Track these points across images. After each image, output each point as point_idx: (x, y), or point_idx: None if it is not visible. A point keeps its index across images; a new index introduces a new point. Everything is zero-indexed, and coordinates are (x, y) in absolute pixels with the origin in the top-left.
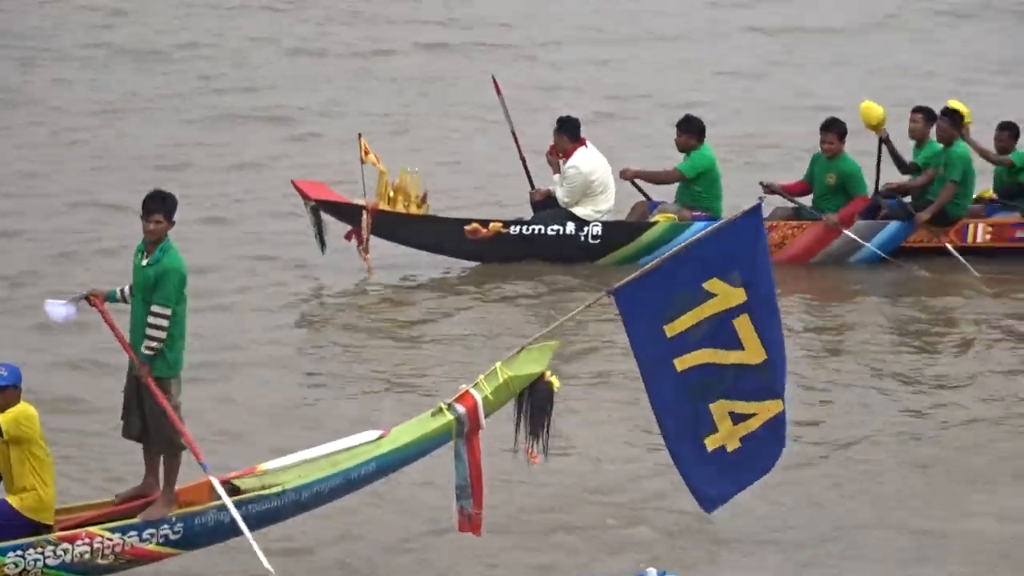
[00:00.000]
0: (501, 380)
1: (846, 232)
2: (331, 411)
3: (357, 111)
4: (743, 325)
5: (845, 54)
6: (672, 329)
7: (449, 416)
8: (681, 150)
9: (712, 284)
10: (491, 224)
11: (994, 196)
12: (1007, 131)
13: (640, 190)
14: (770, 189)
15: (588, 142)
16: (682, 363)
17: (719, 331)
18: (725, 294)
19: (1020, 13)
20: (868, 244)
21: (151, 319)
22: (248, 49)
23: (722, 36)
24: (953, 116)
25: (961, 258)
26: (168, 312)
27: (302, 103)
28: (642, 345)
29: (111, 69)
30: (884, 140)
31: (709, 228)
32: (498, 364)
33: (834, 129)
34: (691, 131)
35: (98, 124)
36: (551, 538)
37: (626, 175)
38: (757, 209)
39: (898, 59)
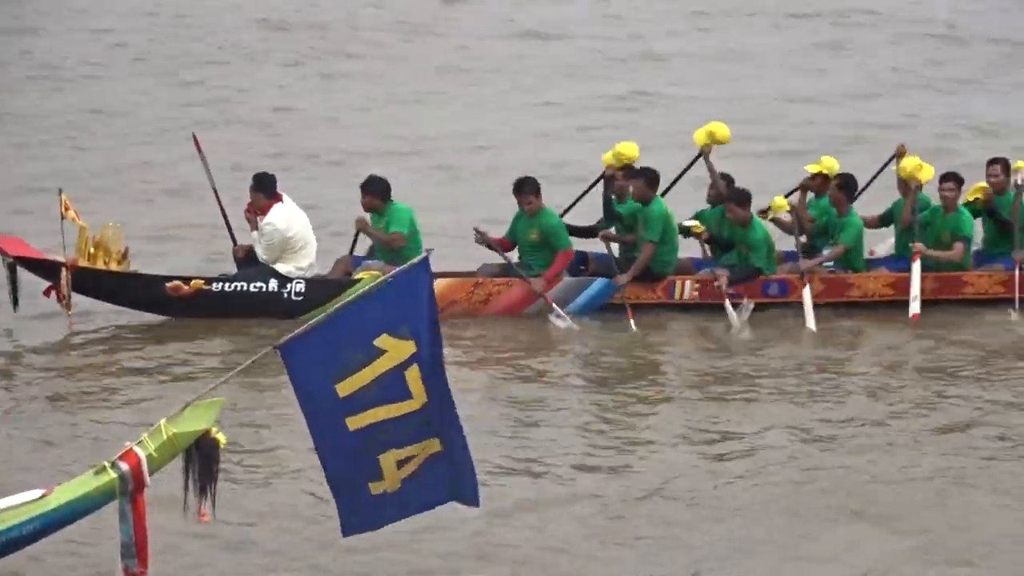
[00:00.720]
0: (165, 437)
1: (550, 304)
2: (15, 467)
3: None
4: (413, 375)
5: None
6: (344, 389)
7: (112, 474)
8: (368, 211)
9: (383, 341)
10: (193, 281)
11: (705, 234)
12: (724, 180)
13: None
14: (482, 238)
15: (286, 197)
16: (354, 423)
17: (391, 386)
18: (396, 349)
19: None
20: (564, 314)
21: None
22: None
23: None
24: (650, 176)
25: (632, 321)
26: None
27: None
28: (310, 400)
29: None
30: (607, 177)
31: (376, 282)
32: (162, 421)
33: (527, 188)
34: (374, 192)
35: None
36: None
37: (359, 225)
38: (424, 260)
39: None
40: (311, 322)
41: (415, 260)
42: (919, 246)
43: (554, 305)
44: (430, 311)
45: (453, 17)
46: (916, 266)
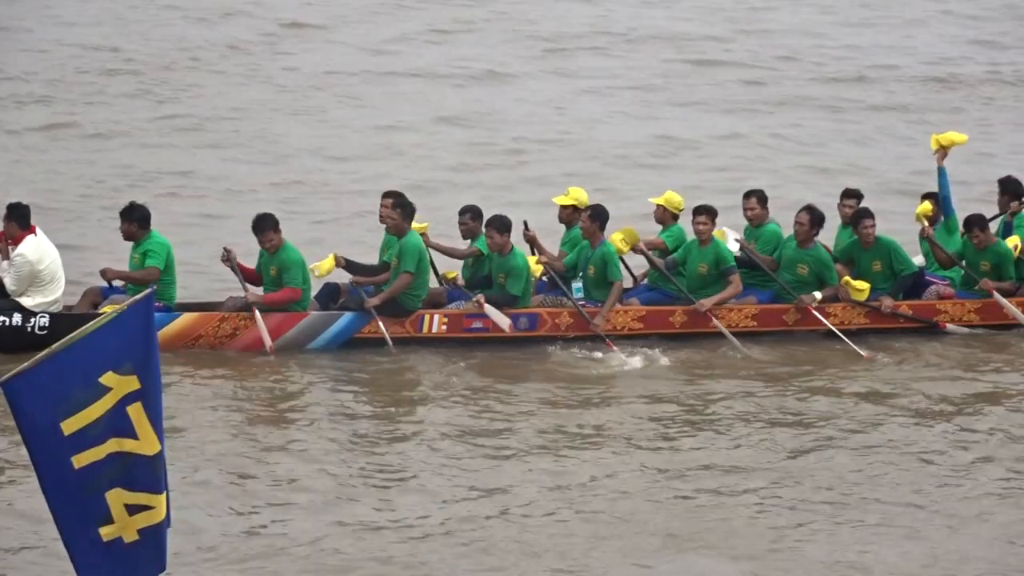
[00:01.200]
0: None
1: (258, 320)
2: None
3: None
4: (137, 413)
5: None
6: (69, 427)
7: None
8: (126, 238)
9: (107, 378)
10: None
11: (460, 280)
12: (468, 211)
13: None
14: (228, 256)
15: (38, 230)
16: (80, 460)
17: (116, 421)
18: (120, 385)
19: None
20: (263, 328)
21: None
22: None
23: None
24: (405, 207)
25: (391, 344)
26: None
27: None
28: (36, 438)
29: None
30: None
31: (101, 318)
32: None
33: (266, 226)
34: (132, 219)
35: None
36: None
37: (107, 275)
38: (149, 297)
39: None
40: (36, 358)
41: (139, 296)
42: (704, 306)
43: (261, 322)
44: (154, 348)
45: (290, 47)
46: (718, 325)
